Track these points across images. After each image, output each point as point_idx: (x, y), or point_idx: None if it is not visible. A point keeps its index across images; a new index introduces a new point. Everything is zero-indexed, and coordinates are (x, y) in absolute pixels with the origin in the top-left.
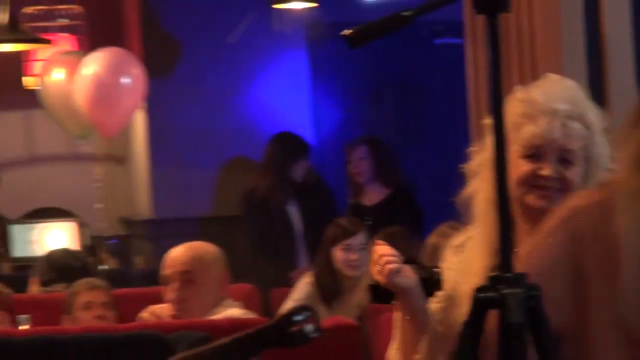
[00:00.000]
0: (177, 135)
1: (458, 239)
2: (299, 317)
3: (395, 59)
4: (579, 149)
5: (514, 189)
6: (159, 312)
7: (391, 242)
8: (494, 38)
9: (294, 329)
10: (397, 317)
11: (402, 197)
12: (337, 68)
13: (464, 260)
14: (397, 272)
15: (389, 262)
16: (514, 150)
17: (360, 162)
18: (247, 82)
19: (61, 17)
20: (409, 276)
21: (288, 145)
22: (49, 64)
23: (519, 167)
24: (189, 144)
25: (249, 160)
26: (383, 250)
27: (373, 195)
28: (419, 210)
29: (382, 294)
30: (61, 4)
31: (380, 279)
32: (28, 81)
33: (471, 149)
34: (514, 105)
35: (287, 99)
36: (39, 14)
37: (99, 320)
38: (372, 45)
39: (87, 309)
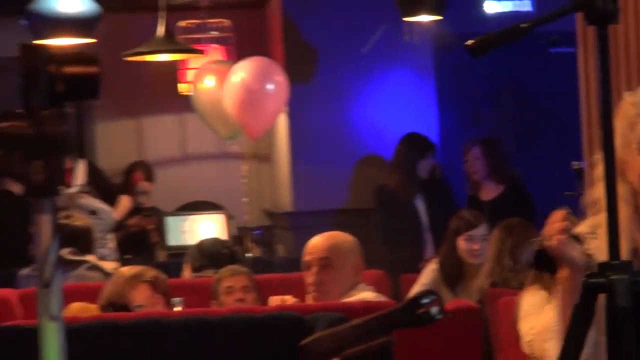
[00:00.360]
0: (315, 135)
1: (581, 227)
2: (425, 300)
3: (514, 67)
4: None
5: (636, 184)
6: (280, 302)
7: (510, 232)
8: (603, 47)
9: (421, 310)
10: (559, 289)
11: (515, 193)
12: (460, 75)
13: (598, 246)
14: (569, 242)
15: (562, 231)
16: (632, 148)
17: (474, 162)
18: (378, 87)
19: (212, 30)
20: (579, 251)
21: (415, 145)
22: (201, 72)
23: (637, 163)
24: (326, 144)
25: (381, 158)
26: (561, 217)
27: (489, 191)
28: (531, 206)
29: (547, 261)
30: (212, 18)
31: (552, 244)
32: (182, 88)
33: (596, 156)
34: (627, 108)
35: (415, 103)
36: (192, 27)
37: (239, 303)
38: (493, 54)
39: (229, 294)
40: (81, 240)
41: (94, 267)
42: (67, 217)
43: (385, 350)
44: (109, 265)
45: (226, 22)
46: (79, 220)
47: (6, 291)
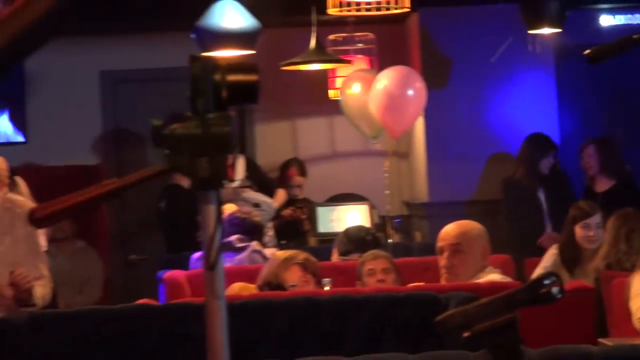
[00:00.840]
0: (449, 135)
1: None
2: (547, 281)
3: (628, 74)
4: None
5: None
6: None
7: (626, 220)
8: None
9: (543, 290)
10: None
11: (626, 186)
12: (579, 82)
13: None
14: None
15: None
16: None
17: (589, 159)
18: (505, 92)
19: (358, 42)
20: None
21: (538, 144)
22: (349, 79)
23: None
24: (458, 142)
25: (507, 155)
26: None
27: (602, 184)
28: None
29: None
30: (358, 32)
31: None
32: (332, 93)
33: None
34: None
35: (538, 107)
36: (341, 40)
37: (380, 284)
38: (609, 62)
39: (371, 275)
40: (255, 231)
41: (257, 252)
42: (247, 213)
43: (511, 326)
44: (268, 251)
45: (370, 35)
46: (257, 216)
47: (177, 272)
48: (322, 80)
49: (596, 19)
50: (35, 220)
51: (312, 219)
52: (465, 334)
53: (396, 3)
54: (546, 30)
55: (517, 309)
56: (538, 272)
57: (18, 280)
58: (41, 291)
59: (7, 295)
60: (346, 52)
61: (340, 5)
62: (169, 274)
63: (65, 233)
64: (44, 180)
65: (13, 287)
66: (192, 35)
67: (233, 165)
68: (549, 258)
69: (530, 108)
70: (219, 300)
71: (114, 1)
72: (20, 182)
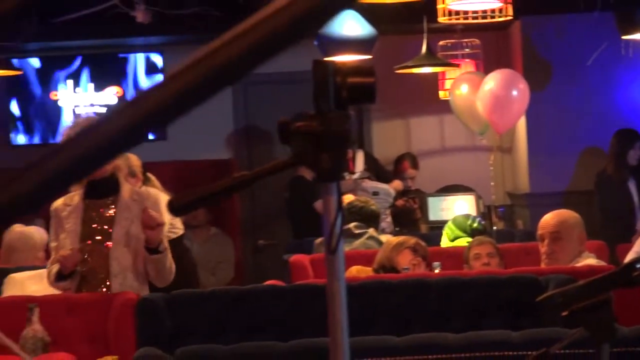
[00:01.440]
0: (548, 131)
1: None
2: (639, 265)
3: None
4: None
5: None
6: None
7: None
8: None
9: (635, 273)
10: None
11: None
12: None
13: None
14: None
15: None
16: None
17: None
18: (600, 93)
19: (465, 47)
20: None
21: (624, 137)
22: (457, 81)
23: None
24: (557, 138)
25: (600, 149)
26: None
27: None
28: None
29: None
30: (465, 38)
31: None
32: (441, 94)
33: None
34: None
35: (628, 105)
36: (449, 46)
37: (485, 267)
38: None
39: (477, 259)
40: (371, 219)
41: (373, 238)
42: (364, 202)
43: (606, 305)
44: (383, 237)
45: (476, 41)
46: (373, 205)
47: (301, 256)
48: (433, 82)
49: None
50: (174, 209)
51: (424, 208)
52: (564, 313)
53: (500, 12)
54: (638, 36)
55: (612, 290)
56: (630, 256)
57: (148, 220)
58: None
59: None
60: (454, 56)
61: (450, 14)
62: (294, 257)
63: (200, 221)
64: (182, 173)
65: (144, 227)
66: (315, 42)
67: (353, 159)
68: None
69: (621, 106)
70: (338, 281)
71: (245, 10)
72: (152, 177)
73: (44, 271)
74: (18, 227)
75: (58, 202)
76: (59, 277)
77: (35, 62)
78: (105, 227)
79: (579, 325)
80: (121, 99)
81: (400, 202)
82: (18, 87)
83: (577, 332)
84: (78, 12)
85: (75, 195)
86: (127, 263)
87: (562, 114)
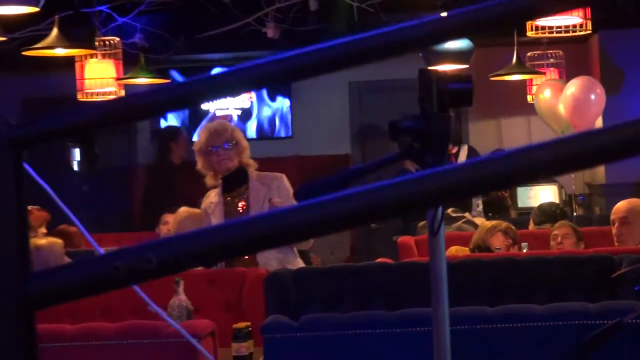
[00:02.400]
0: None
1: None
2: None
3: None
4: None
5: None
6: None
7: None
8: None
9: None
10: None
11: None
12: None
13: None
14: None
15: None
16: None
17: None
18: None
19: (550, 58)
20: None
21: None
22: (541, 87)
23: None
24: None
25: None
26: None
27: None
28: None
29: None
30: (549, 50)
31: None
32: (529, 98)
33: None
34: None
35: None
36: (536, 56)
37: (558, 246)
38: None
39: (554, 239)
40: (466, 205)
41: (468, 222)
42: None
43: None
44: (478, 221)
45: (560, 52)
46: None
47: (407, 238)
48: (522, 88)
49: None
50: (299, 196)
51: (513, 196)
52: (637, 287)
53: (581, 27)
54: None
55: None
56: None
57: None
58: None
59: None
60: (540, 65)
61: (536, 29)
62: (401, 238)
63: None
64: (305, 167)
65: None
66: (420, 54)
67: (456, 154)
68: None
69: None
70: (440, 259)
71: (360, 27)
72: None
73: None
74: (185, 209)
75: (205, 204)
76: None
77: (176, 74)
78: (242, 212)
79: None
80: (251, 101)
81: (493, 192)
82: None
83: None
84: (216, 30)
85: (213, 193)
86: None
87: (634, 115)
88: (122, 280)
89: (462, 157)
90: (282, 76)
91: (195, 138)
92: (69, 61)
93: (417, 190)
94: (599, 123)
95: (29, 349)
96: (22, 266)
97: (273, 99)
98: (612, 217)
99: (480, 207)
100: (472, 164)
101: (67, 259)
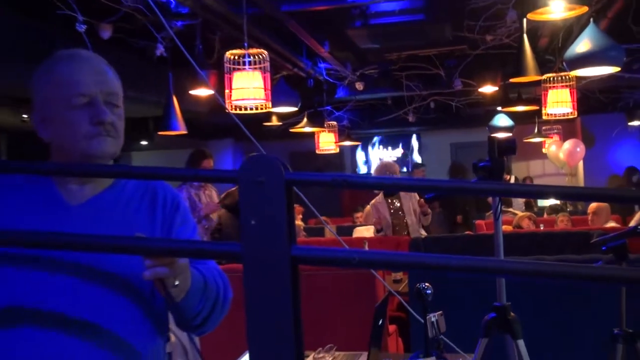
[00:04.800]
0: (593, 166)
1: None
2: None
3: None
4: None
5: None
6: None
7: None
8: None
9: None
10: None
11: None
12: None
13: None
14: None
15: None
16: None
17: None
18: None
19: (554, 130)
20: None
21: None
22: (550, 145)
23: None
24: (597, 169)
25: (615, 175)
26: None
27: None
28: None
29: None
30: (554, 125)
31: None
32: (544, 150)
33: None
34: None
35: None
36: (547, 129)
37: (563, 227)
38: None
39: (559, 224)
40: (508, 203)
41: (512, 213)
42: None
43: None
44: (517, 212)
45: (559, 126)
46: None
47: (480, 221)
48: (540, 145)
49: None
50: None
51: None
52: (604, 248)
53: (571, 114)
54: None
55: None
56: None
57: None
58: None
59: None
60: (549, 133)
61: (547, 115)
62: (478, 221)
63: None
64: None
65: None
66: (487, 128)
67: (509, 180)
68: None
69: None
70: (499, 233)
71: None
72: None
73: (371, 226)
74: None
75: (375, 201)
76: (377, 231)
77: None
78: (398, 205)
79: None
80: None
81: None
82: None
83: None
84: (383, 117)
85: (379, 196)
86: (413, 221)
87: (602, 160)
88: (355, 265)
89: (512, 181)
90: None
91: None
92: (312, 134)
93: (489, 189)
94: (581, 164)
95: (294, 285)
96: (291, 238)
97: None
98: (588, 210)
99: (522, 205)
100: (512, 183)
101: (304, 234)
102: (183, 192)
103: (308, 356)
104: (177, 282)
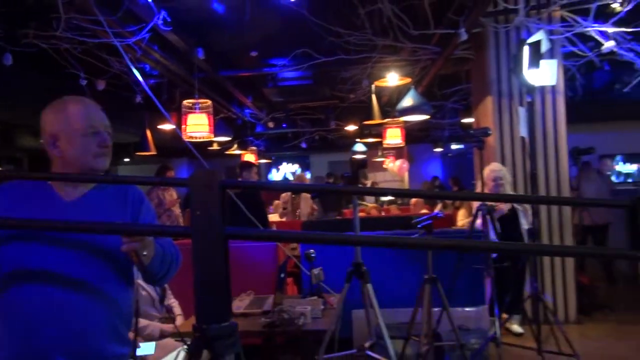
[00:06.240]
0: (415, 172)
1: None
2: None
3: None
4: None
5: None
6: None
7: None
8: None
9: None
10: None
11: None
12: None
13: None
14: None
15: None
16: None
17: None
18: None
19: (389, 152)
20: None
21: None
22: (388, 162)
23: None
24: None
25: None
26: None
27: None
28: None
29: None
30: (390, 150)
31: None
32: (385, 165)
33: None
34: None
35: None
36: (386, 152)
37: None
38: None
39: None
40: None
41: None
42: None
43: None
44: (369, 203)
45: (393, 151)
46: None
47: (347, 211)
48: (381, 163)
49: None
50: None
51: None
52: (419, 226)
53: (401, 143)
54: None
55: None
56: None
57: None
58: None
59: None
60: (388, 154)
61: (386, 144)
62: (346, 210)
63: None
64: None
65: None
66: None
67: (366, 184)
68: None
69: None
70: (356, 217)
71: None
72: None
73: (277, 215)
74: None
75: (285, 195)
76: (283, 209)
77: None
78: (297, 200)
79: None
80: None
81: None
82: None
83: None
84: (287, 145)
85: (287, 194)
86: (307, 211)
87: (419, 172)
88: (266, 239)
89: (368, 185)
90: None
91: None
92: (240, 154)
93: (351, 190)
94: (407, 174)
95: (225, 252)
96: (223, 222)
97: None
98: (410, 203)
99: (373, 199)
100: (367, 187)
101: None
102: (153, 193)
103: (234, 299)
104: (145, 253)
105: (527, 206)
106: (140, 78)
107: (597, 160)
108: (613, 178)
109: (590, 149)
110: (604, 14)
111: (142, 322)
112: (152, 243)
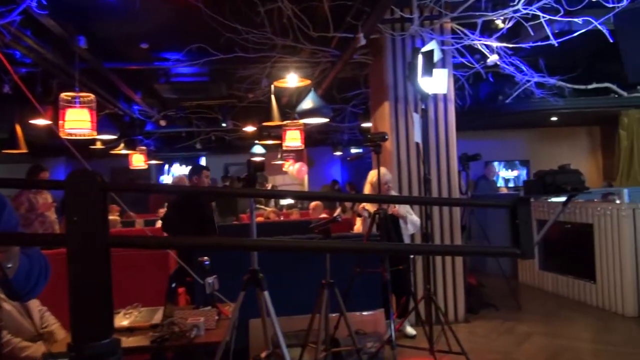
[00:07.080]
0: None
1: None
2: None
3: None
4: None
5: None
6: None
7: None
8: None
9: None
10: None
11: None
12: None
13: None
14: None
15: None
16: None
17: None
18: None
19: (290, 155)
20: None
21: None
22: (288, 165)
23: None
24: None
25: None
26: None
27: None
28: None
29: None
30: (290, 153)
31: None
32: (284, 168)
33: None
34: None
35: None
36: (285, 154)
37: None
38: None
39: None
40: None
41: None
42: None
43: None
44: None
45: (293, 153)
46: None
47: (245, 215)
48: (280, 166)
49: None
50: None
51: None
52: (316, 231)
53: (301, 145)
54: None
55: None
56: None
57: None
58: None
59: None
60: (287, 157)
61: (286, 147)
62: (243, 215)
63: None
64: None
65: None
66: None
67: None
68: None
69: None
70: (254, 223)
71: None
72: None
73: None
74: None
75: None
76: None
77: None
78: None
79: None
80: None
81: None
82: None
83: None
84: (181, 144)
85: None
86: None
87: (320, 174)
88: (152, 246)
89: (269, 187)
90: None
91: None
92: (127, 154)
93: (248, 193)
94: (306, 177)
95: (107, 262)
96: (105, 230)
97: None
98: (309, 207)
99: (273, 202)
100: (266, 190)
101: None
102: (22, 196)
103: (119, 312)
104: (9, 265)
105: (410, 212)
106: (7, 65)
107: (483, 166)
108: (499, 183)
109: (477, 155)
110: (489, 29)
111: (12, 340)
112: (18, 254)
